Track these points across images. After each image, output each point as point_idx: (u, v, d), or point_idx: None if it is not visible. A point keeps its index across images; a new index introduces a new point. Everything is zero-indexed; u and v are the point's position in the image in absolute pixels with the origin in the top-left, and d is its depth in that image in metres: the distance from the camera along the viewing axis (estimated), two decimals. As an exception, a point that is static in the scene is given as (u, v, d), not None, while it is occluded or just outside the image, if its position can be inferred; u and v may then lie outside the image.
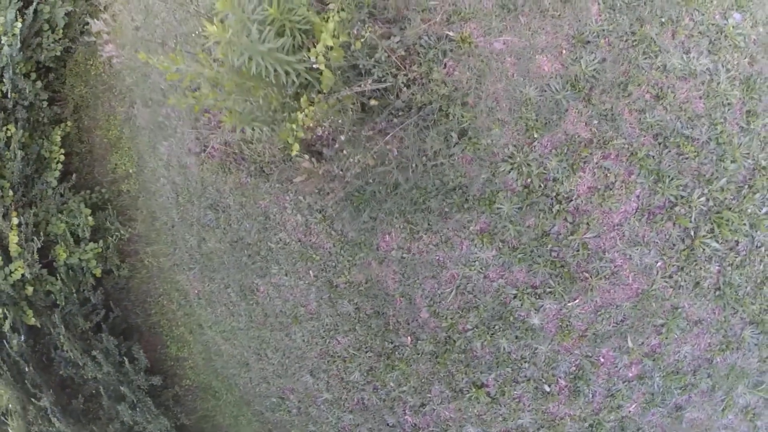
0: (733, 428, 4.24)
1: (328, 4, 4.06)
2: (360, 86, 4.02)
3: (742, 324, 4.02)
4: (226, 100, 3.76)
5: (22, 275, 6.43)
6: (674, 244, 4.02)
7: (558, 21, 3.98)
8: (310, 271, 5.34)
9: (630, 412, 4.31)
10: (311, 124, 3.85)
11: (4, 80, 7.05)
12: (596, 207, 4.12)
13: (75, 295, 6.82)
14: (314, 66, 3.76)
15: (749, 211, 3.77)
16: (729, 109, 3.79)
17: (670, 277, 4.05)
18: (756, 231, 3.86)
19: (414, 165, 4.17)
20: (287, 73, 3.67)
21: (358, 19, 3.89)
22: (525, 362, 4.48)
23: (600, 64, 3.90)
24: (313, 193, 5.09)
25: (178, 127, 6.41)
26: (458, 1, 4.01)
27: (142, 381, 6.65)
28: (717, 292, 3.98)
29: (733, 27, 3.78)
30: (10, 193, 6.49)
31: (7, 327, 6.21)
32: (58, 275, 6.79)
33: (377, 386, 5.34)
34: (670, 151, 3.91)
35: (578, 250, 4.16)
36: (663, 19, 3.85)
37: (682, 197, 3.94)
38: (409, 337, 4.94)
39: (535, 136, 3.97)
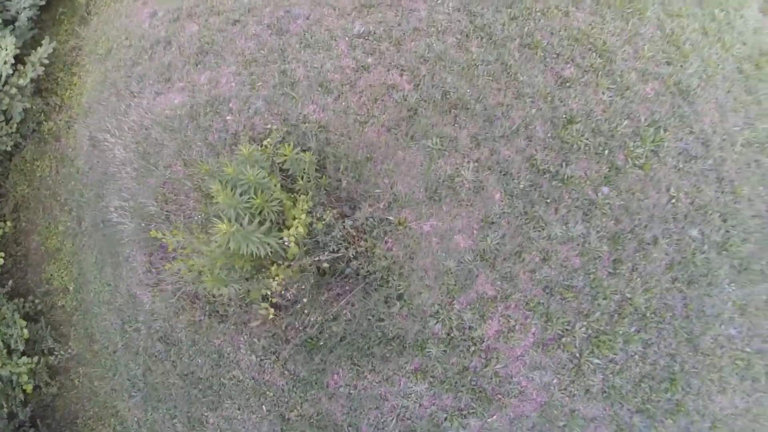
0: None
1: (294, 188, 4.89)
2: (318, 257, 4.88)
3: (630, 414, 5.31)
4: (213, 269, 4.36)
5: None
6: (565, 365, 5.33)
7: (471, 208, 5.19)
8: (263, 406, 5.84)
9: None
10: (280, 289, 4.59)
11: None
12: (503, 345, 5.33)
13: (3, 409, 6.60)
14: (285, 242, 4.55)
15: (621, 331, 5.22)
16: (599, 261, 5.23)
17: (565, 389, 5.34)
18: (629, 345, 5.30)
19: (360, 321, 5.07)
20: (263, 248, 4.41)
21: (318, 201, 4.75)
22: (457, 475, 5.49)
23: (501, 239, 5.17)
24: (267, 337, 5.74)
25: (131, 256, 6.63)
26: (397, 192, 5.07)
27: None
28: (604, 394, 5.31)
29: (602, 198, 5.24)
30: None
31: None
32: None
33: None
34: (555, 298, 5.25)
35: (492, 378, 5.31)
36: (548, 200, 5.22)
37: (567, 330, 5.29)
38: None
39: (454, 296, 5.13)
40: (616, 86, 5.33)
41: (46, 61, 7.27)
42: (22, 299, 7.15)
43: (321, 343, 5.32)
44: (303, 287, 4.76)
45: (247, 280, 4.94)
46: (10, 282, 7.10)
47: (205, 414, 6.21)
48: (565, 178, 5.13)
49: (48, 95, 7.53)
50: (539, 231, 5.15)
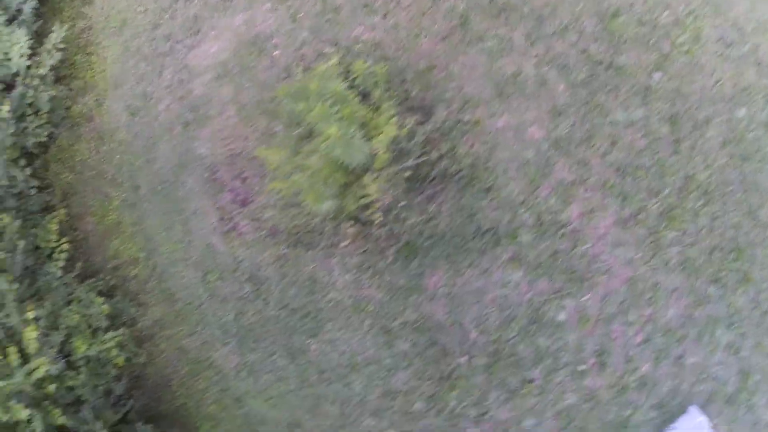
0: (724, 363, 5.89)
1: (368, 102, 5.29)
2: (405, 163, 5.32)
3: (706, 285, 5.76)
4: (315, 183, 4.74)
5: (46, 372, 6.15)
6: (644, 240, 5.80)
7: (538, 101, 5.63)
8: (365, 321, 6.18)
9: (645, 370, 5.98)
10: (378, 194, 5.01)
11: None
12: (586, 226, 5.79)
13: (99, 387, 6.68)
14: (376, 150, 4.96)
15: (689, 206, 5.72)
16: (661, 142, 5.74)
17: (647, 263, 5.84)
18: (697, 218, 5.80)
19: (454, 219, 5.52)
20: (362, 155, 4.78)
21: (398, 111, 5.20)
22: (560, 352, 5.91)
23: (571, 127, 5.63)
24: (359, 254, 6.15)
25: (199, 209, 6.76)
26: (466, 94, 5.55)
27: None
28: (681, 266, 5.77)
29: (656, 83, 5.76)
30: (15, 286, 6.27)
31: (39, 430, 5.96)
32: (80, 369, 6.59)
33: (440, 409, 6.18)
34: (628, 178, 5.72)
35: (581, 258, 5.76)
36: (608, 88, 5.71)
37: (642, 207, 5.76)
38: (463, 357, 6.13)
39: (537, 184, 5.60)
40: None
41: (62, 46, 7.27)
42: (92, 279, 7.21)
43: (417, 248, 5.70)
44: (397, 192, 5.20)
45: (340, 196, 5.34)
46: (78, 264, 7.13)
47: (306, 342, 6.55)
48: (619, 66, 5.64)
49: (69, 80, 7.52)
50: (604, 117, 5.64)
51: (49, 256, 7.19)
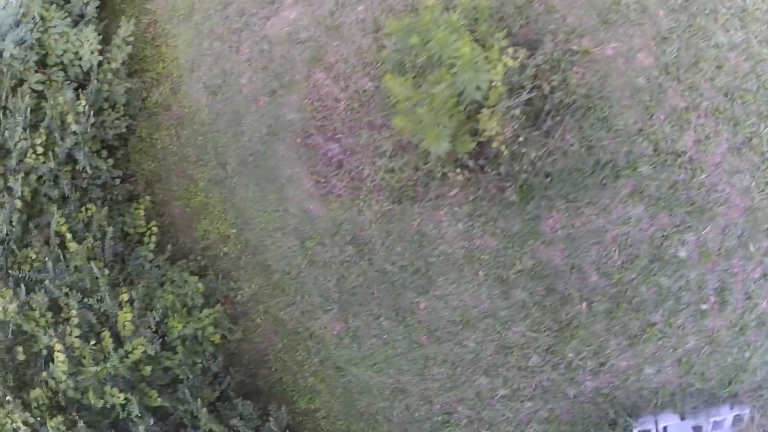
0: None
1: (479, 39, 5.35)
2: (520, 96, 5.39)
3: None
4: (438, 117, 4.77)
5: (144, 353, 6.24)
6: (758, 166, 5.76)
7: (642, 27, 5.67)
8: (479, 272, 6.05)
9: (763, 308, 5.88)
10: (499, 129, 5.04)
11: (78, 159, 7.02)
12: (702, 154, 5.79)
13: (196, 366, 6.64)
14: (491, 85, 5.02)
15: None
16: (765, 63, 5.81)
17: (762, 191, 5.84)
18: None
19: (572, 154, 5.56)
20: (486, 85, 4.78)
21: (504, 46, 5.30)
22: (682, 291, 5.82)
23: (677, 51, 5.70)
24: (468, 203, 6.16)
25: (293, 176, 6.76)
26: (569, 23, 5.66)
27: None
28: None
29: (750, 4, 5.84)
30: (106, 272, 6.41)
31: (135, 413, 5.94)
32: (176, 349, 6.58)
33: (556, 363, 6.03)
34: (737, 102, 5.72)
35: (699, 189, 5.74)
36: (706, 11, 5.79)
37: (754, 131, 5.74)
38: (583, 303, 6.03)
39: (652, 112, 5.62)
40: None
41: (131, 39, 7.49)
42: (183, 261, 7.28)
43: (533, 189, 5.65)
44: (516, 127, 5.25)
45: (454, 138, 5.35)
46: (168, 247, 7.18)
47: (416, 300, 6.46)
48: None
49: (141, 74, 7.70)
50: (707, 41, 5.71)
51: (139, 242, 7.37)
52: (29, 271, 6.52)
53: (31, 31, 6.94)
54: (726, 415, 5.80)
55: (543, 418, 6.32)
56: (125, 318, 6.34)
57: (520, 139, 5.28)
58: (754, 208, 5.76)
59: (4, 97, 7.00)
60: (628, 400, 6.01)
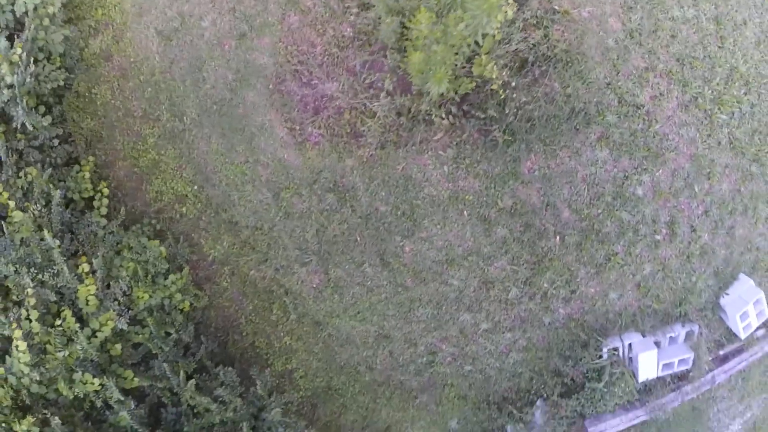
0: (764, 234, 7.22)
1: None
2: (508, 47, 6.19)
3: (749, 163, 7.13)
4: (446, 58, 5.36)
5: (113, 330, 5.96)
6: (702, 121, 7.02)
7: None
8: (464, 212, 6.66)
9: (705, 239, 7.25)
10: (497, 73, 5.79)
11: (13, 117, 6.53)
12: (657, 108, 6.97)
13: (169, 338, 6.50)
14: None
15: (734, 93, 7.13)
16: (711, 37, 7.14)
17: (704, 141, 7.08)
18: (741, 104, 7.16)
19: (551, 100, 6.46)
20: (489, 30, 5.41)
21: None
22: (639, 224, 6.95)
23: (641, 20, 6.87)
24: (452, 146, 6.86)
25: (265, 124, 6.71)
26: None
27: (276, 403, 6.51)
28: (731, 145, 7.03)
29: None
30: (57, 243, 6.00)
31: (115, 398, 5.70)
32: (144, 321, 6.40)
33: (533, 293, 6.80)
34: (686, 67, 6.97)
35: (654, 137, 6.88)
36: None
37: (699, 92, 7.04)
38: (557, 237, 6.99)
39: (618, 69, 6.68)
40: None
41: None
42: (138, 225, 6.98)
43: (515, 132, 6.45)
44: (506, 73, 6.06)
45: (455, 78, 5.98)
46: (122, 210, 6.84)
47: (400, 244, 7.00)
48: None
49: (78, 23, 7.27)
50: (665, 13, 6.81)
51: (87, 208, 6.95)
52: None
53: None
54: (679, 331, 7.10)
55: (522, 347, 7.24)
56: (88, 292, 5.99)
57: (513, 84, 6.13)
58: (698, 156, 7.08)
59: None
60: (596, 323, 7.12)
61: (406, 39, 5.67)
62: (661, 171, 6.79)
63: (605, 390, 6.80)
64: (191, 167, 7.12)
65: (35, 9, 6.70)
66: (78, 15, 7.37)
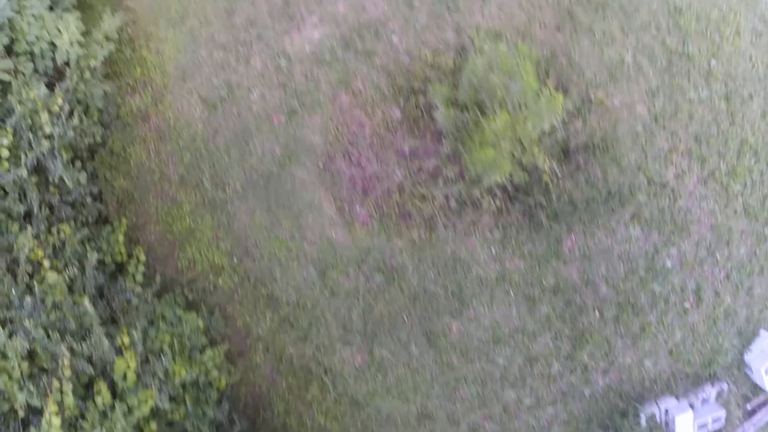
0: None
1: None
2: (556, 136, 6.80)
3: (762, 226, 7.68)
4: (508, 150, 5.85)
5: (151, 408, 5.85)
6: (719, 193, 7.54)
7: (638, 83, 7.43)
8: (510, 292, 7.04)
9: (728, 302, 8.04)
10: (546, 164, 6.35)
11: (49, 169, 6.35)
12: (680, 184, 7.71)
13: (206, 417, 6.50)
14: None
15: (745, 164, 8.04)
16: (722, 114, 7.88)
17: (722, 211, 7.85)
18: (752, 173, 7.77)
19: (591, 185, 7.09)
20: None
21: None
22: (669, 294, 7.65)
23: (663, 105, 7.64)
24: (499, 228, 7.38)
25: (314, 202, 7.04)
26: (587, 77, 7.17)
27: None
28: (745, 212, 7.49)
29: (713, 67, 7.79)
30: (91, 310, 5.83)
31: None
32: (179, 398, 6.34)
33: (574, 367, 7.24)
34: (703, 144, 7.78)
35: (679, 212, 7.56)
36: (683, 72, 7.62)
37: (716, 167, 7.74)
38: (596, 312, 7.64)
39: (647, 152, 7.34)
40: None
41: (116, 36, 7.03)
42: (170, 294, 6.90)
43: (558, 215, 6.91)
44: (554, 161, 6.66)
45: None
46: (157, 278, 6.72)
47: (447, 323, 7.41)
48: (688, 54, 7.51)
49: (116, 79, 7.32)
50: (683, 96, 7.76)
51: (119, 272, 6.87)
52: None
53: (3, 6, 5.99)
54: (710, 391, 7.82)
55: (563, 420, 7.78)
56: (126, 366, 5.89)
57: (558, 171, 6.75)
58: (717, 225, 7.89)
59: None
60: (633, 391, 7.75)
61: (465, 129, 6.15)
62: (686, 243, 7.53)
63: (646, 456, 7.43)
64: (230, 238, 7.25)
65: (78, 60, 6.73)
66: (116, 71, 7.43)
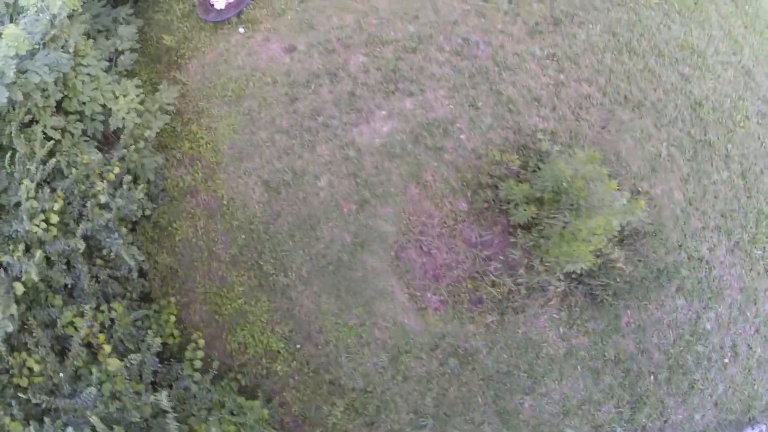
0: None
1: None
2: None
3: None
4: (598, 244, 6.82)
5: None
6: (744, 259, 9.41)
7: (673, 172, 8.85)
8: (577, 368, 8.00)
9: (759, 353, 9.15)
10: (615, 254, 7.40)
11: (100, 241, 5.94)
12: (713, 256, 9.11)
13: None
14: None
15: (763, 231, 9.60)
16: (740, 190, 9.40)
17: (748, 274, 9.42)
18: None
19: (642, 268, 8.23)
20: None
21: None
22: (711, 353, 8.81)
23: (694, 189, 9.07)
24: (564, 309, 8.36)
25: (386, 289, 7.53)
26: (633, 169, 8.40)
27: None
28: (766, 272, 9.36)
29: (730, 151, 9.44)
30: (165, 402, 5.40)
31: None
32: None
33: (634, 430, 8.12)
34: (728, 219, 9.31)
35: (714, 280, 8.99)
36: (706, 159, 9.25)
37: (740, 238, 9.41)
38: (651, 377, 8.74)
39: (685, 232, 8.78)
40: None
41: (171, 108, 6.99)
42: (225, 380, 6.85)
43: (617, 294, 8.17)
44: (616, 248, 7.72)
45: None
46: (215, 364, 6.49)
47: (520, 401, 8.22)
48: (709, 142, 8.88)
49: (162, 150, 7.38)
50: (708, 179, 8.94)
51: (171, 356, 6.61)
52: (29, 391, 4.98)
53: (58, 61, 5.56)
54: None
55: None
56: None
57: (619, 256, 7.85)
58: (746, 287, 9.21)
59: (9, 133, 5.46)
60: None
61: (547, 224, 7.08)
62: (721, 306, 8.79)
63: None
64: (290, 323, 7.50)
65: (133, 129, 6.50)
66: (162, 143, 7.46)
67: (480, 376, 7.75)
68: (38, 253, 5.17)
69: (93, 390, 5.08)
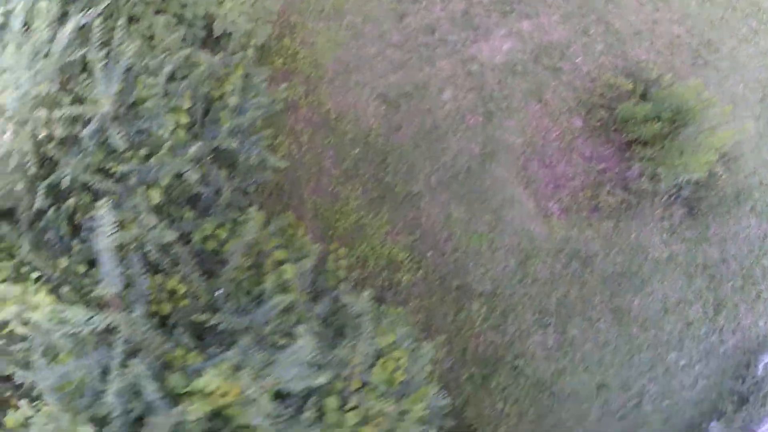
0: None
1: None
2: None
3: None
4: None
5: None
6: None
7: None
8: (677, 269, 9.44)
9: None
10: (718, 168, 9.09)
11: (229, 149, 5.47)
12: None
13: None
14: None
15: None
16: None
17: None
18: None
19: (735, 185, 10.14)
20: None
21: None
22: None
23: (765, 125, 11.28)
24: (667, 219, 9.93)
25: (511, 198, 8.67)
26: None
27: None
28: None
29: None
30: (315, 309, 5.10)
31: None
32: None
33: (714, 329, 9.22)
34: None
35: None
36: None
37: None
38: (729, 283, 10.45)
39: (758, 161, 10.87)
40: None
41: (275, 18, 7.05)
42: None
43: (710, 208, 9.83)
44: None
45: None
46: (355, 273, 6.95)
47: (631, 300, 9.47)
48: None
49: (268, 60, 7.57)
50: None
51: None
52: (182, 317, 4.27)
53: None
54: None
55: (706, 375, 9.77)
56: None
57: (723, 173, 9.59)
58: None
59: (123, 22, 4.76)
60: (752, 346, 10.75)
61: (666, 139, 8.67)
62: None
63: (765, 398, 10.42)
64: (415, 233, 8.16)
65: (240, 36, 6.34)
66: (266, 57, 7.66)
67: (598, 277, 9.03)
68: (163, 157, 4.61)
69: (276, 300, 4.46)
